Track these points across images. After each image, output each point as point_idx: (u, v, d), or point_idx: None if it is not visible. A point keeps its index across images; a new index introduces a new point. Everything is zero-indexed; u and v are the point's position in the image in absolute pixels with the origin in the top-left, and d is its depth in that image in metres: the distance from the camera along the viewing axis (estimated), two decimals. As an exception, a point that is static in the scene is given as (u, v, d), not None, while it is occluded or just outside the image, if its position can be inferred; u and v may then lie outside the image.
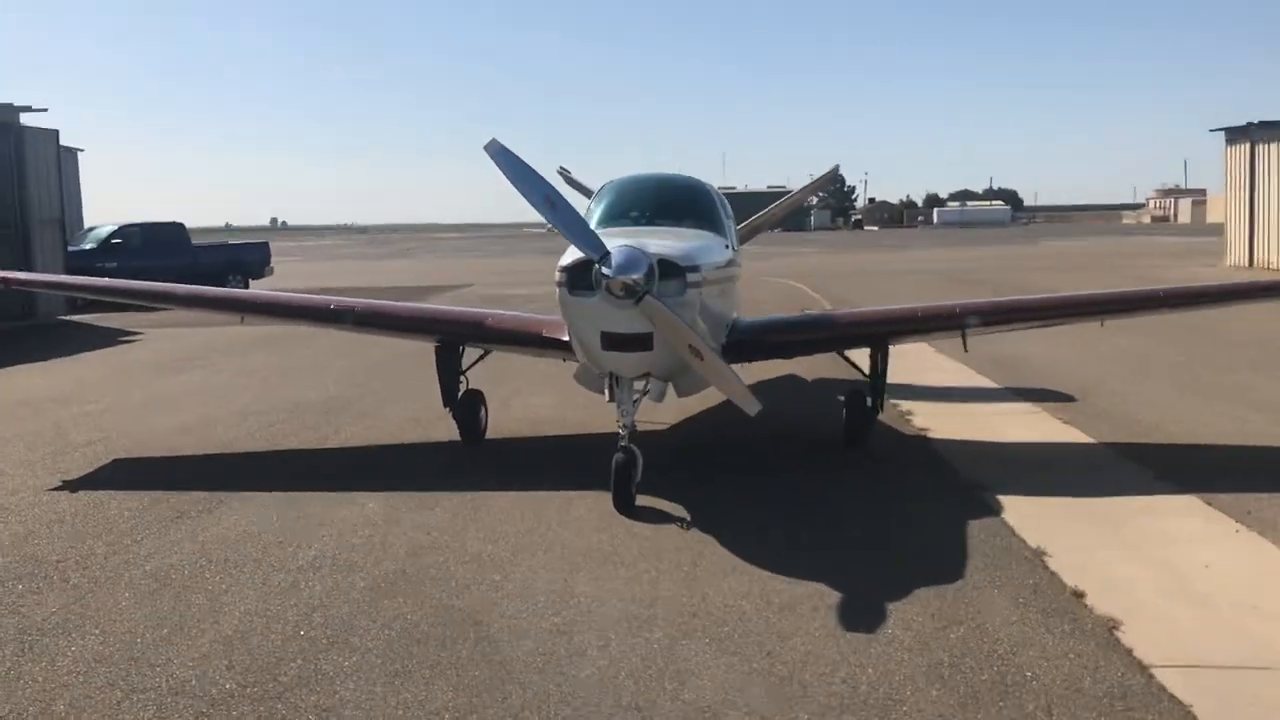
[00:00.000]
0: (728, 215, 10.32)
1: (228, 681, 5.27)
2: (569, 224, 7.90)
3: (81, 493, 9.08)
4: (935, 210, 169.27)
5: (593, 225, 9.32)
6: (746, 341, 9.93)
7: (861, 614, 5.94)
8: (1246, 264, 36.30)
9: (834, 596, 6.22)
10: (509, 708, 4.93)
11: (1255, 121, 35.65)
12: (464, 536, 7.60)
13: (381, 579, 6.73)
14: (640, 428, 9.36)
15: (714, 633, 5.77)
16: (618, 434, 8.31)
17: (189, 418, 12.50)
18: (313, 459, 10.35)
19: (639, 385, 8.50)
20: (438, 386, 10.73)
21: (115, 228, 31.09)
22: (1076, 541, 7.23)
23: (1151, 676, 5.13)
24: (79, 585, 6.74)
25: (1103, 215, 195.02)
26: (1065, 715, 4.76)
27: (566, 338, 9.51)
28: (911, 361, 14.53)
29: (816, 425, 11.33)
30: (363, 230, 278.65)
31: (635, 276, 7.58)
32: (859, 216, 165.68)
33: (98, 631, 5.96)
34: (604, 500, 8.28)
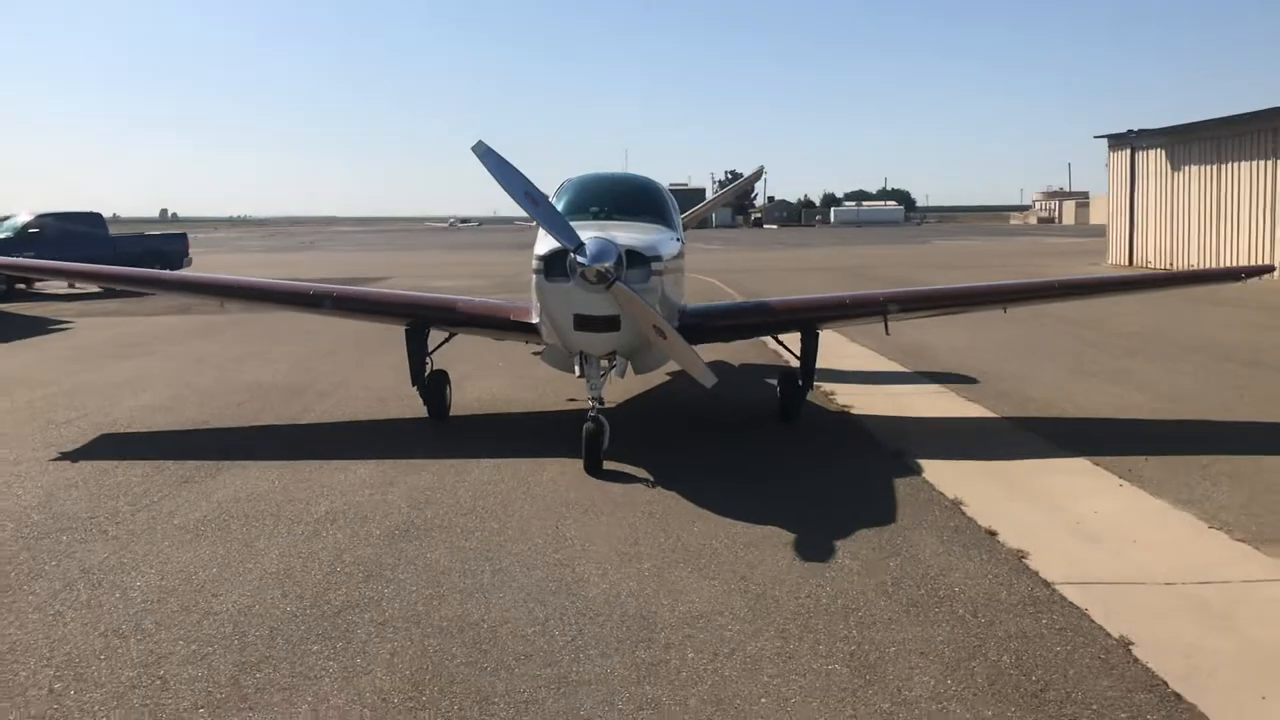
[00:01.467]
0: (675, 211, 11.39)
1: (286, 605, 6.16)
2: (548, 217, 8.89)
3: (83, 462, 9.77)
4: (832, 210, 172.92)
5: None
6: (694, 325, 11.00)
7: (815, 548, 7.06)
8: (1127, 263, 38.68)
9: (789, 536, 7.32)
10: (536, 619, 5.92)
11: (1135, 130, 37.99)
12: (456, 493, 8.55)
13: (394, 527, 7.65)
14: (585, 408, 10.46)
15: (693, 564, 6.83)
16: (588, 405, 9.29)
17: (157, 398, 13.15)
18: (293, 433, 11.14)
19: (604, 363, 9.48)
20: (383, 370, 11.56)
21: (32, 217, 30.96)
22: (987, 494, 8.45)
23: (1054, 590, 6.33)
24: (118, 536, 7.52)
25: (991, 216, 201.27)
26: (986, 616, 5.92)
27: (533, 321, 10.51)
28: (828, 349, 15.72)
29: (751, 403, 12.47)
30: (259, 222, 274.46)
31: (607, 264, 8.60)
32: (759, 215, 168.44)
33: (153, 571, 6.77)
34: (572, 465, 9.28)
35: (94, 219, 32.39)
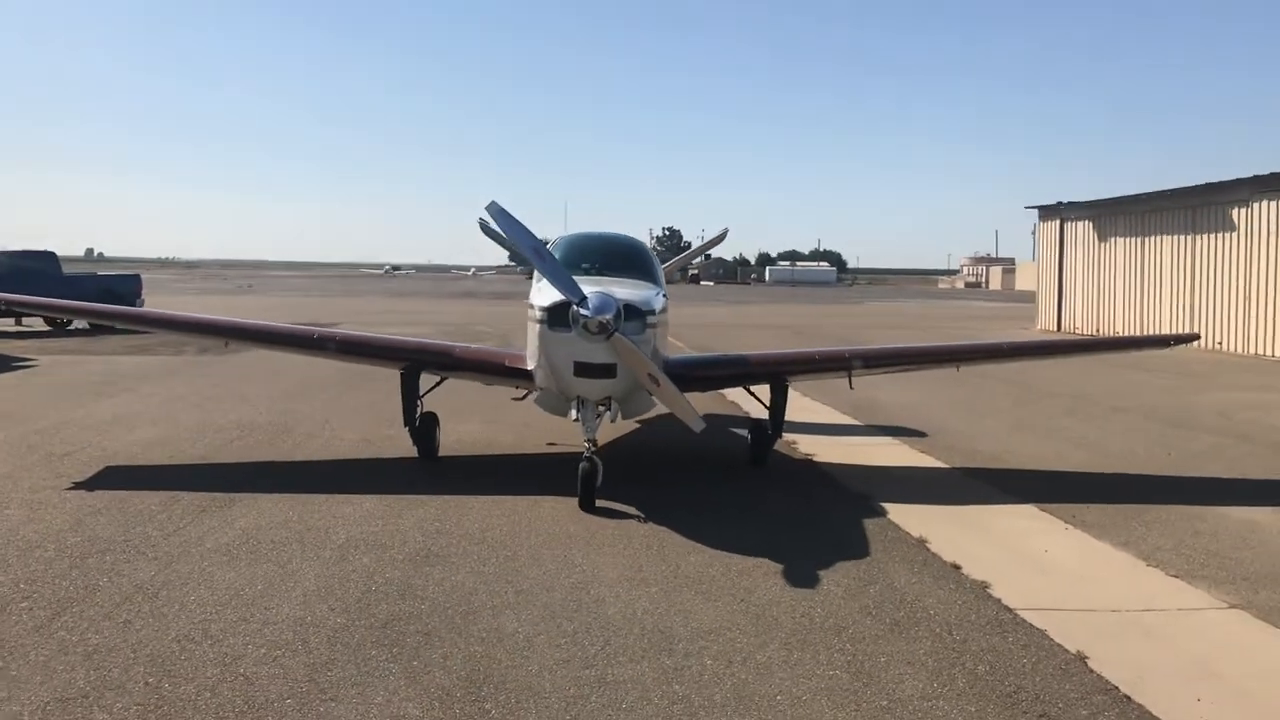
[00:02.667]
0: (659, 269, 12.25)
1: (335, 618, 6.81)
2: (553, 272, 9.70)
3: (98, 492, 10.29)
4: (767, 268, 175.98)
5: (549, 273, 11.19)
6: (678, 375, 11.75)
7: (802, 576, 7.86)
8: (1055, 328, 40.36)
9: (778, 566, 8.11)
10: (565, 632, 6.64)
11: (1064, 201, 39.88)
12: (463, 525, 9.23)
13: (413, 554, 8.32)
14: (571, 451, 11.25)
15: (695, 588, 7.59)
16: (583, 447, 10.04)
17: (147, 435, 13.64)
18: (292, 470, 11.72)
19: (600, 408, 10.25)
20: (360, 412, 12.19)
21: (-14, 255, 31.03)
22: (947, 534, 9.32)
23: (1016, 614, 7.18)
24: (158, 558, 8.09)
25: (919, 279, 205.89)
26: (960, 634, 6.76)
27: (528, 368, 11.25)
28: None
29: (720, 449, 13.30)
30: (187, 265, 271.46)
31: (607, 316, 9.41)
32: (696, 271, 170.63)
33: (202, 587, 7.38)
34: (564, 502, 10.02)
35: (48, 257, 32.51)
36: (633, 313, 9.86)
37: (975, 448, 13.86)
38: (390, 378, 12.77)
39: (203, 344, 26.97)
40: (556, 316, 9.82)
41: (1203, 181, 31.65)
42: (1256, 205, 29.34)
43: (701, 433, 10.24)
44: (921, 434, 14.94)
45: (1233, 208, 30.39)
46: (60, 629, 6.52)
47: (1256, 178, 29.30)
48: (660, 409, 11.26)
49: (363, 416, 15.26)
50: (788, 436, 14.04)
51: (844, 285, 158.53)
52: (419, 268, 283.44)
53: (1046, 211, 41.56)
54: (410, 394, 12.17)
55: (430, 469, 11.87)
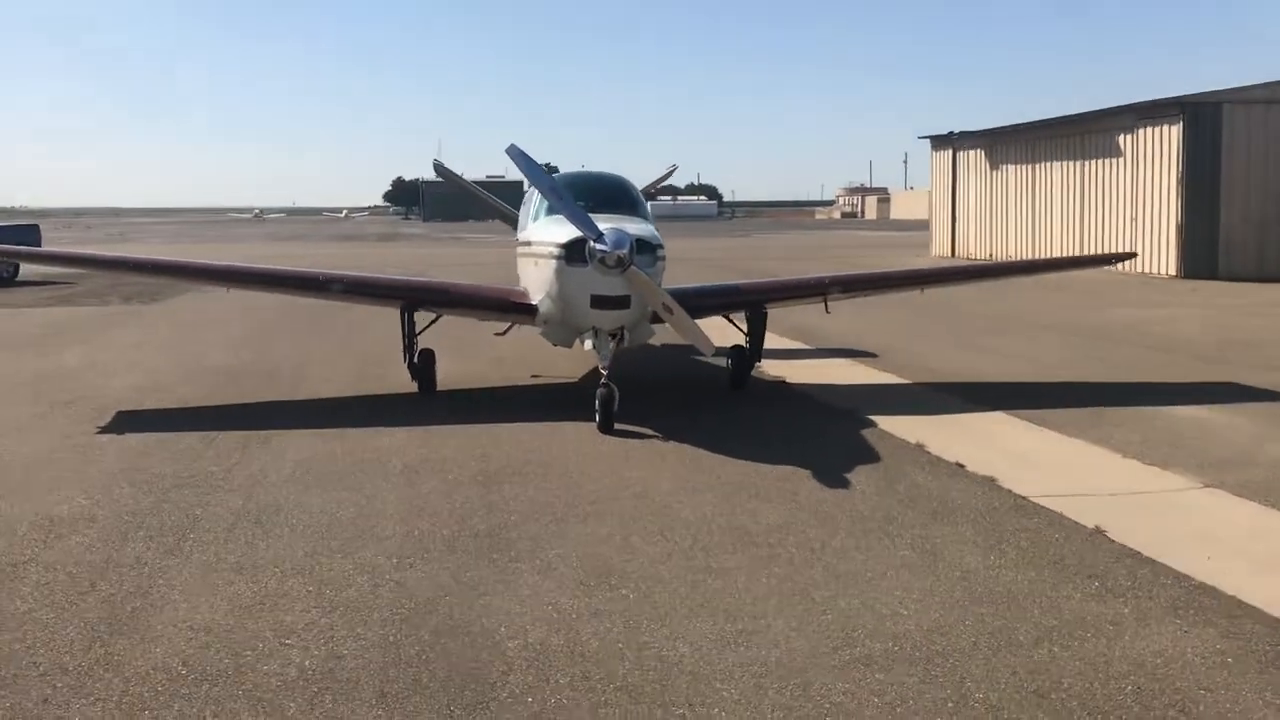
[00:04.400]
0: (646, 205, 12.94)
1: (441, 529, 7.46)
2: (571, 210, 10.34)
3: (130, 435, 10.59)
4: (649, 203, 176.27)
5: (544, 212, 11.84)
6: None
7: (835, 479, 8.74)
8: (950, 254, 42.12)
9: (807, 472, 8.96)
10: (654, 531, 7.41)
11: (956, 131, 41.47)
12: (503, 450, 9.87)
13: (478, 474, 8.97)
14: (556, 382, 12.20)
15: (750, 491, 8.41)
16: (600, 374, 10.74)
17: (136, 380, 13.87)
18: (302, 408, 12.15)
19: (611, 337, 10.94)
20: (333, 353, 12.68)
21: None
22: (940, 440, 10.29)
23: (1031, 501, 8.19)
24: (235, 489, 8.55)
25: (796, 211, 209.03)
26: (992, 519, 7.73)
27: (532, 302, 11.86)
28: (731, 333, 17.59)
29: (694, 376, 14.15)
30: (40, 213, 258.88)
31: (624, 251, 10.10)
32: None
33: (300, 514, 7.89)
34: (581, 426, 10.73)
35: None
36: (644, 247, 10.56)
37: (927, 365, 14.95)
38: (341, 320, 13.16)
39: (127, 293, 26.73)
40: (574, 252, 10.45)
41: (1091, 109, 33.40)
42: (1141, 131, 31.18)
43: (670, 361, 10.94)
44: (872, 354, 15.99)
45: (1118, 134, 32.21)
46: (193, 551, 7.03)
47: (1141, 104, 31.09)
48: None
49: (341, 357, 15.69)
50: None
51: (724, 219, 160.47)
52: (289, 211, 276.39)
53: (939, 141, 43.19)
54: (409, 332, 12.68)
55: (435, 402, 12.40)
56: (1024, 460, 9.60)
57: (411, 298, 12.83)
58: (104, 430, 10.82)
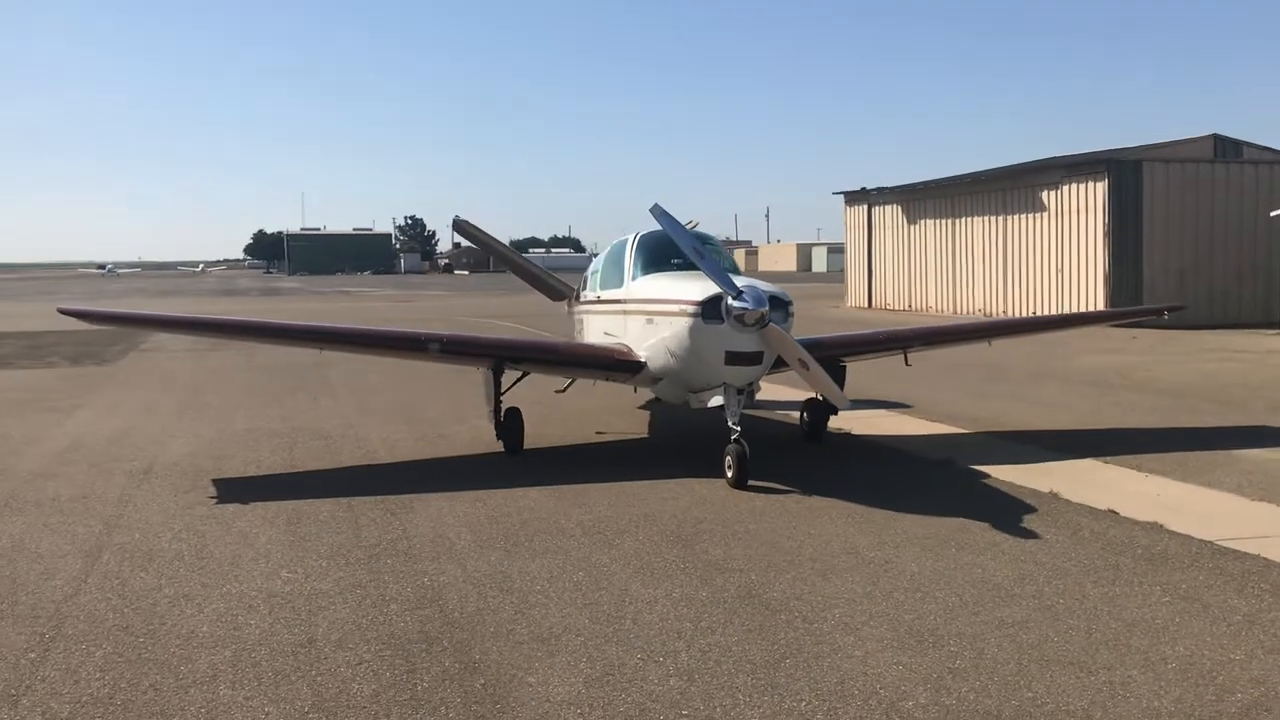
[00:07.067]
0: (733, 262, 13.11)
1: (725, 592, 7.41)
2: (712, 269, 10.45)
3: (255, 504, 10.12)
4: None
5: (640, 269, 11.94)
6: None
7: (1015, 530, 8.93)
8: (867, 305, 43.34)
9: (982, 522, 9.13)
10: (907, 590, 7.50)
11: (872, 187, 42.85)
12: (650, 508, 9.81)
13: (666, 534, 8.90)
14: (629, 438, 12.77)
15: (953, 544, 8.53)
16: (731, 431, 10.79)
17: (187, 446, 13.31)
18: (400, 471, 11.84)
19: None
20: (373, 413, 12.66)
21: None
22: (1067, 487, 10.47)
23: (1215, 543, 8.51)
24: (441, 558, 8.31)
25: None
26: (1209, 561, 8.04)
27: (639, 359, 11.84)
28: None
29: (765, 431, 14.29)
30: None
31: (765, 309, 10.25)
32: (448, 260, 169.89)
33: (517, 577, 7.75)
34: (705, 483, 10.74)
35: None
36: (776, 303, 10.71)
37: (969, 414, 15.37)
38: (314, 377, 12.89)
39: (67, 353, 25.63)
40: (710, 309, 10.55)
41: (1011, 164, 35.02)
42: (1065, 187, 32.80)
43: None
44: (907, 405, 16.37)
45: (1042, 190, 33.80)
46: (447, 619, 6.84)
47: (1067, 160, 32.73)
48: None
49: (377, 416, 15.38)
50: (794, 414, 15.15)
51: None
52: (142, 266, 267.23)
53: (853, 196, 44.57)
54: (496, 390, 12.52)
55: (530, 461, 12.24)
56: (1162, 505, 9.91)
57: (513, 357, 12.68)
58: (221, 500, 10.37)
